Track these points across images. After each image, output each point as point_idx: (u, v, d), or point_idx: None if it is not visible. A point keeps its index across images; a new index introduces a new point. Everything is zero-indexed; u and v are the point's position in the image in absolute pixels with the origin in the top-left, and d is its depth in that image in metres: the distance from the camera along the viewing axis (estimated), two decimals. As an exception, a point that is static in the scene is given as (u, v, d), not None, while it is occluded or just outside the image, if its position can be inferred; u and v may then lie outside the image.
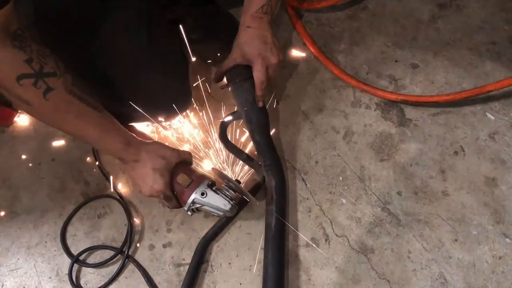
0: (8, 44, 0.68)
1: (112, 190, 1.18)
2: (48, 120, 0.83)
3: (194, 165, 1.07)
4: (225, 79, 1.15)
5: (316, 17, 1.40)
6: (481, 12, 1.34)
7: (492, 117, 1.18)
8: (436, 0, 1.37)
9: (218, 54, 1.27)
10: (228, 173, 1.14)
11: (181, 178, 0.98)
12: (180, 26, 1.17)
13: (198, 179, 0.99)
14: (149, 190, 0.95)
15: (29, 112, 0.79)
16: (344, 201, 1.13)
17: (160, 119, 1.11)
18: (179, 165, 0.99)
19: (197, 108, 1.22)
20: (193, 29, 1.24)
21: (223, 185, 1.01)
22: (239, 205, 1.02)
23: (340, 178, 1.16)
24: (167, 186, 0.96)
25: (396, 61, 1.30)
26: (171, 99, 1.09)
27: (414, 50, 1.31)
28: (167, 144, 1.02)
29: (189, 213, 0.99)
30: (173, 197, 0.98)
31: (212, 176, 1.08)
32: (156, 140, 1.06)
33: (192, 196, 0.96)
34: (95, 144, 0.90)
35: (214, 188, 0.98)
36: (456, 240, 1.06)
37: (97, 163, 1.21)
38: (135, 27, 1.00)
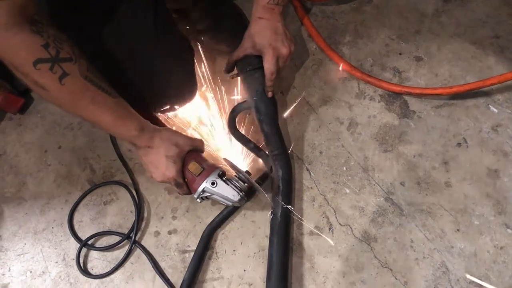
0: (26, 29, 0.69)
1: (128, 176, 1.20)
2: (63, 105, 0.83)
3: (205, 154, 1.08)
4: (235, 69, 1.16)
5: (321, 10, 1.41)
6: (485, 6, 1.35)
7: (495, 110, 1.19)
8: (440, -6, 1.39)
9: (224, 45, 1.27)
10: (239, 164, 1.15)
11: (193, 166, 0.98)
12: (187, 15, 1.18)
13: (209, 168, 0.99)
14: (161, 176, 0.97)
15: (45, 97, 0.80)
16: (347, 190, 1.14)
17: (167, 106, 1.12)
18: (191, 153, 1.00)
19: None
20: (200, 19, 1.25)
21: (233, 176, 1.01)
22: (248, 196, 1.02)
23: (344, 168, 1.17)
24: (178, 173, 0.97)
25: (400, 53, 1.31)
26: (177, 87, 1.10)
27: (418, 43, 1.32)
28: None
29: (198, 200, 1.00)
30: (184, 184, 1.00)
31: (223, 166, 1.09)
32: (169, 127, 1.06)
33: (203, 185, 0.97)
34: (109, 129, 0.91)
35: (224, 178, 0.99)
36: (458, 230, 1.07)
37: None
38: (141, 14, 1.00)
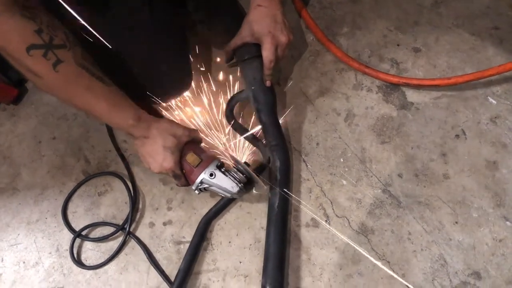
0: (16, 13, 0.69)
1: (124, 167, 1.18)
2: (57, 93, 0.82)
3: (203, 145, 1.07)
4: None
5: (319, 0, 1.40)
6: (485, -3, 1.34)
7: (493, 101, 1.18)
8: (439, -15, 1.38)
9: (221, 36, 1.26)
10: (238, 155, 1.14)
11: (191, 157, 0.96)
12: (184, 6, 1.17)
13: (207, 159, 0.98)
14: (159, 167, 0.95)
15: (38, 84, 0.78)
16: (344, 182, 1.13)
17: (162, 97, 1.11)
18: (189, 144, 0.99)
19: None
20: (196, 9, 1.23)
21: (232, 167, 1.00)
22: (246, 187, 1.01)
23: (341, 160, 1.16)
24: (176, 164, 0.95)
25: (398, 45, 1.30)
26: (173, 77, 1.09)
27: (416, 34, 1.31)
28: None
29: (196, 192, 0.99)
30: (182, 175, 0.98)
31: (221, 157, 1.08)
32: (166, 117, 1.05)
33: (201, 176, 0.96)
34: (105, 119, 0.89)
35: (223, 170, 0.97)
36: (456, 222, 1.06)
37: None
38: (138, 4, 0.99)
